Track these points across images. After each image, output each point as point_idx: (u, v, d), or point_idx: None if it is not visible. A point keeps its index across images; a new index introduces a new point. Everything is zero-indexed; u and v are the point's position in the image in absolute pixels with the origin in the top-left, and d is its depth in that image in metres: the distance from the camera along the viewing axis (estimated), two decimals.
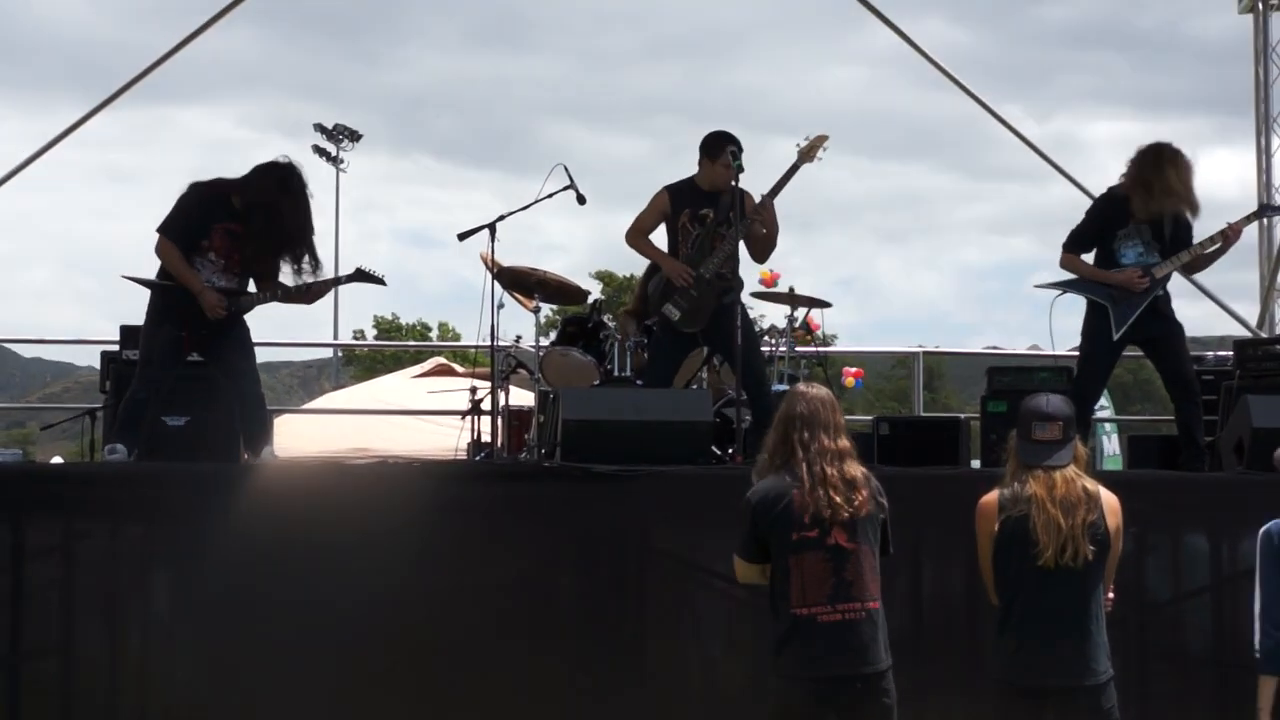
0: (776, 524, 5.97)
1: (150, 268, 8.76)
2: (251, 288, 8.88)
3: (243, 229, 8.65)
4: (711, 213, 9.02)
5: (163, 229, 8.65)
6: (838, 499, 5.91)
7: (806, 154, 9.00)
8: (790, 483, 5.98)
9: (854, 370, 22.28)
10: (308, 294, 8.88)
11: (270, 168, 8.75)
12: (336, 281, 9.19)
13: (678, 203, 9.10)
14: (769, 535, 6.01)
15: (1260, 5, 13.87)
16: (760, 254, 9.25)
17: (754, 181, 9.03)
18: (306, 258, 8.77)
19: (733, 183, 8.81)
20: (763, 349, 10.46)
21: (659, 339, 9.28)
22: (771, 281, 20.88)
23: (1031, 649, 6.03)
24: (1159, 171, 8.82)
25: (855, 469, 6.01)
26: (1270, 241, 13.68)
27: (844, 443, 6.04)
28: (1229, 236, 8.97)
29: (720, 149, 8.91)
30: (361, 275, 9.09)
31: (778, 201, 9.02)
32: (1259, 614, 6.26)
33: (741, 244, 9.00)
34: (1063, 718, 6.06)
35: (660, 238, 9.21)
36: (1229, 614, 7.94)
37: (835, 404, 6.17)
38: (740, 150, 8.86)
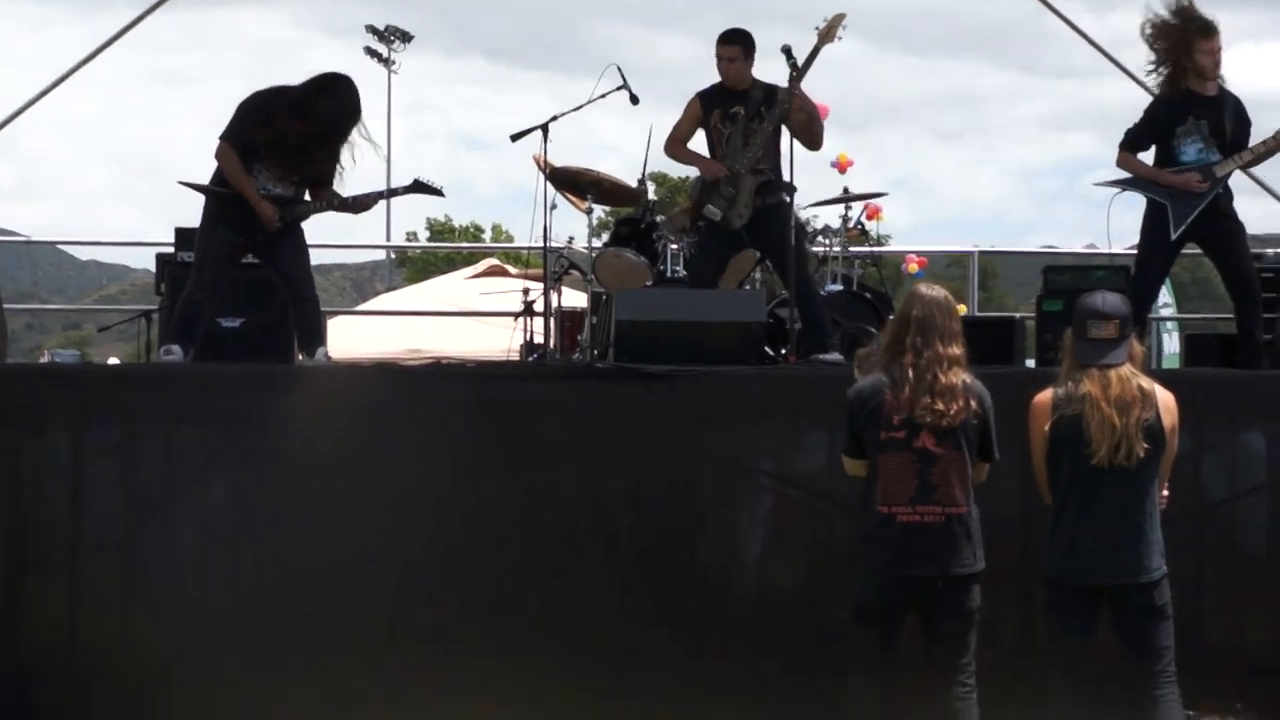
0: (868, 422, 6.12)
1: (205, 170, 8.78)
2: (307, 196, 8.87)
3: (298, 136, 8.65)
4: (742, 110, 9.00)
5: (225, 135, 8.66)
6: (938, 405, 6.00)
7: (826, 35, 8.92)
8: (885, 383, 6.10)
9: (918, 259, 21.29)
10: (361, 204, 8.91)
11: (326, 79, 8.76)
12: (392, 193, 9.15)
13: (708, 105, 9.12)
14: (862, 432, 6.11)
15: None
16: (811, 141, 9.13)
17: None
18: (341, 159, 8.79)
19: (760, 78, 8.93)
20: (816, 249, 10.42)
21: (705, 239, 9.26)
22: (845, 166, 20.35)
23: (1086, 547, 6.04)
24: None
25: (957, 377, 6.08)
26: None
27: (955, 350, 6.11)
28: None
29: (718, 45, 9.01)
30: (419, 186, 9.04)
31: (820, 91, 9.03)
32: None
33: (798, 144, 8.92)
34: (1117, 614, 6.09)
35: (702, 145, 9.20)
36: None
37: (952, 308, 6.23)
38: (753, 44, 8.98)
